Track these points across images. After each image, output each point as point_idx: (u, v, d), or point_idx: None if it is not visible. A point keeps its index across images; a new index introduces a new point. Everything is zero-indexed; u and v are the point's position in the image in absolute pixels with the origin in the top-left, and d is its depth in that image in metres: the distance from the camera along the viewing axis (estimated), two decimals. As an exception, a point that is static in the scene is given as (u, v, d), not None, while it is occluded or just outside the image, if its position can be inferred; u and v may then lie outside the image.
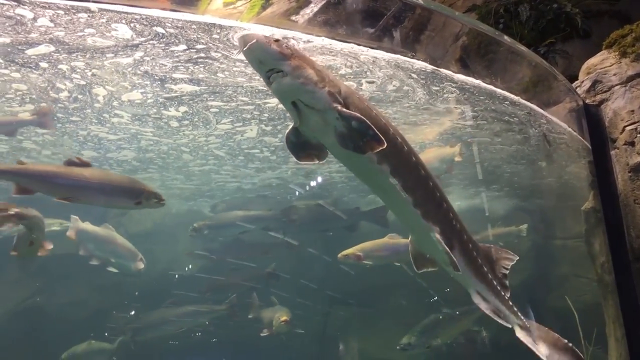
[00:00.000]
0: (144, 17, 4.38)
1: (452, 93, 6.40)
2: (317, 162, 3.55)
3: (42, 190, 5.61)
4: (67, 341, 9.90)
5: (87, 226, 9.39)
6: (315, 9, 4.78)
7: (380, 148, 3.17)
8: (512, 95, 6.58)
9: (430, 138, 8.71)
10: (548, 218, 10.83)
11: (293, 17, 4.74)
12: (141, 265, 9.34)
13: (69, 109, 7.73)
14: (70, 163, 5.73)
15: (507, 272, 4.49)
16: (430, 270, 4.33)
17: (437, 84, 6.16)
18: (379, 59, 5.43)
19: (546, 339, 4.58)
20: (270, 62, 3.15)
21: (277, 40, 3.15)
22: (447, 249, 3.84)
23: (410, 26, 5.20)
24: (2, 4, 4.27)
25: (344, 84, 3.47)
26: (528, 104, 6.85)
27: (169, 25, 4.57)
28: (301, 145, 3.53)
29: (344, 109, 3.22)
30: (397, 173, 3.55)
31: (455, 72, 5.90)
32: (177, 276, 10.92)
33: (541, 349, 4.47)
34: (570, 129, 7.26)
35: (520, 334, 4.49)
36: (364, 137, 3.18)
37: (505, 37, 6.09)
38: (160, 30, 4.67)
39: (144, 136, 9.05)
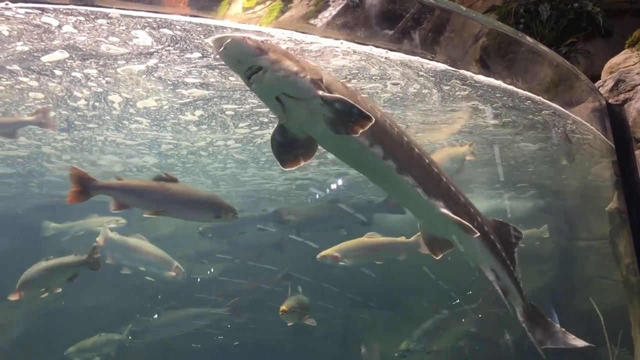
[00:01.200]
0: (159, 20, 4.42)
1: (463, 91, 6.36)
2: (302, 164, 3.50)
3: (138, 205, 5.91)
4: (92, 343, 10.05)
5: (121, 237, 9.60)
6: (334, 12, 4.79)
7: (370, 123, 3.13)
8: (533, 95, 6.53)
9: (444, 137, 8.66)
10: (572, 219, 10.72)
11: (312, 21, 4.75)
12: (176, 273, 9.50)
13: (87, 116, 7.86)
14: (159, 179, 6.02)
15: (515, 249, 4.46)
16: (446, 252, 4.29)
17: (446, 82, 6.14)
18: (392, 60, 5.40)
19: (542, 324, 4.59)
20: (248, 59, 3.12)
21: (250, 38, 3.13)
22: (456, 217, 3.83)
23: (429, 28, 5.18)
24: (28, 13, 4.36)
25: (326, 72, 3.47)
26: (550, 103, 6.79)
27: (178, 28, 4.61)
28: (287, 145, 3.49)
29: (327, 94, 3.20)
30: (390, 155, 3.53)
31: (476, 73, 5.87)
32: (199, 279, 11.00)
33: (537, 335, 4.47)
34: (593, 129, 7.18)
35: (522, 317, 4.49)
36: (350, 117, 3.14)
37: (527, 38, 6.04)
38: (169, 32, 4.73)
39: (164, 140, 9.18)
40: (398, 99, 6.91)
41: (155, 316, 11.05)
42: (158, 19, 4.38)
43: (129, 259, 9.77)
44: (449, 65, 5.57)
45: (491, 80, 6.05)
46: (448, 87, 6.29)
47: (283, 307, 8.67)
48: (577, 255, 10.47)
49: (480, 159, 9.72)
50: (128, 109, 7.50)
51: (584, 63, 8.28)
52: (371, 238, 9.09)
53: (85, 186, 5.55)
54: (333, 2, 4.77)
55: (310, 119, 3.29)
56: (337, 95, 3.19)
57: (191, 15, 4.35)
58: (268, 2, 4.58)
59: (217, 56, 3.17)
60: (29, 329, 10.87)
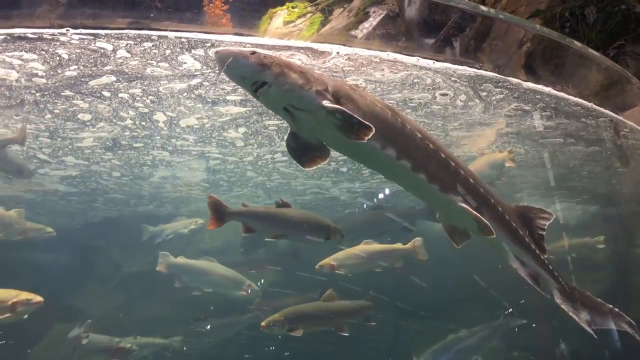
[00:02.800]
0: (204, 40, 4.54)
1: (499, 94, 6.28)
2: (320, 164, 3.53)
3: (262, 229, 6.56)
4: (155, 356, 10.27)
5: (187, 261, 10.08)
6: (375, 23, 4.82)
7: (370, 132, 3.14)
8: (582, 101, 6.42)
9: (486, 144, 8.54)
10: (628, 225, 10.42)
11: (352, 32, 4.79)
12: (250, 291, 9.76)
13: (139, 136, 8.16)
14: (279, 205, 6.75)
15: (544, 232, 4.34)
16: (467, 242, 4.24)
17: (479, 87, 6.08)
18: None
19: (588, 304, 4.40)
20: (252, 75, 3.14)
21: (253, 53, 3.14)
22: (476, 213, 3.79)
23: (471, 35, 5.15)
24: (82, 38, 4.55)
25: (332, 79, 3.45)
26: (600, 108, 6.66)
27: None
28: (302, 149, 3.54)
29: (328, 104, 3.20)
30: (403, 154, 3.52)
31: (524, 80, 5.81)
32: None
33: (582, 315, 4.31)
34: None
35: (560, 299, 4.32)
36: (352, 126, 3.16)
37: (576, 42, 5.93)
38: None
39: (211, 155, 9.43)
40: (443, 110, 6.91)
41: (208, 327, 11.21)
42: (200, 40, 4.49)
43: (199, 282, 10.19)
44: (495, 73, 5.54)
45: (540, 87, 5.98)
46: (485, 93, 6.25)
47: (262, 324, 8.63)
48: (634, 263, 10.14)
49: (528, 163, 9.56)
50: (174, 128, 7.74)
51: (633, 65, 8.04)
52: (368, 245, 9.10)
53: (220, 213, 6.22)
54: (373, 12, 4.82)
55: (319, 127, 3.33)
56: (337, 106, 3.19)
57: (234, 34, 4.44)
58: (309, 15, 4.65)
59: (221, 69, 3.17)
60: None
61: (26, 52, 4.92)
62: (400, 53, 5.00)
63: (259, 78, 3.14)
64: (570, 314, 4.28)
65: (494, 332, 9.76)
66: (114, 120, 7.31)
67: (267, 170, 10.46)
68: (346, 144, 3.33)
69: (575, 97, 6.31)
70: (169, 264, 10.03)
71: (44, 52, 4.93)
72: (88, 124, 7.43)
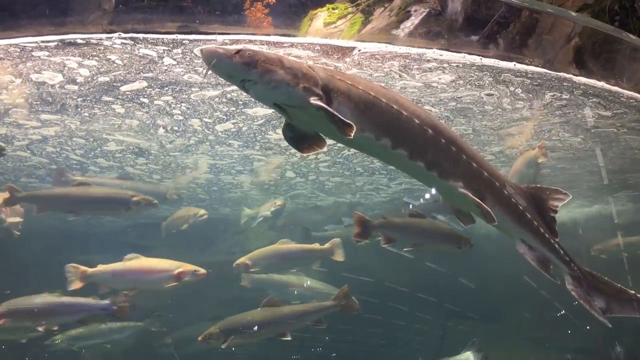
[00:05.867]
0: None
1: (520, 86, 6.15)
2: (319, 150, 3.55)
3: (401, 238, 7.08)
4: (198, 357, 10.42)
5: (271, 276, 10.46)
6: (416, 22, 4.76)
7: (352, 131, 3.12)
8: (638, 95, 6.24)
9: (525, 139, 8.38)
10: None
11: (394, 32, 4.75)
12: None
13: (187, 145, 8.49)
14: (412, 215, 7.30)
15: (556, 214, 4.14)
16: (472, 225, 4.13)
17: (498, 78, 5.95)
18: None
19: (606, 290, 4.14)
20: (238, 74, 3.15)
21: (238, 52, 3.11)
22: (477, 199, 3.69)
23: (515, 31, 5.05)
24: (125, 43, 4.65)
25: (322, 71, 3.39)
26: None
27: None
28: (299, 138, 3.54)
29: (314, 102, 3.18)
30: (399, 143, 3.46)
31: (576, 75, 5.67)
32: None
33: (596, 302, 4.07)
34: None
35: (571, 285, 4.09)
36: (336, 123, 3.15)
37: (630, 36, 5.76)
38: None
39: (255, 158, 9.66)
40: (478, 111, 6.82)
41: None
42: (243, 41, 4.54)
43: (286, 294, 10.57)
44: (545, 68, 5.43)
45: (593, 82, 5.84)
46: (513, 88, 6.16)
47: (199, 338, 8.55)
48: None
49: (578, 155, 9.33)
50: (216, 132, 7.92)
51: (688, 58, 7.77)
52: (283, 245, 9.08)
53: (366, 226, 6.80)
54: (415, 11, 4.76)
55: (312, 120, 3.32)
56: (320, 104, 3.17)
57: (275, 35, 4.47)
58: (349, 16, 4.63)
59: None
60: (141, 341, 11.34)
61: (81, 57, 5.07)
62: (447, 50, 4.94)
63: (245, 77, 3.15)
64: (581, 301, 4.06)
65: None
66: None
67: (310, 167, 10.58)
68: (340, 136, 3.28)
69: (631, 91, 6.13)
70: (253, 281, 10.33)
71: (96, 57, 5.08)
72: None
